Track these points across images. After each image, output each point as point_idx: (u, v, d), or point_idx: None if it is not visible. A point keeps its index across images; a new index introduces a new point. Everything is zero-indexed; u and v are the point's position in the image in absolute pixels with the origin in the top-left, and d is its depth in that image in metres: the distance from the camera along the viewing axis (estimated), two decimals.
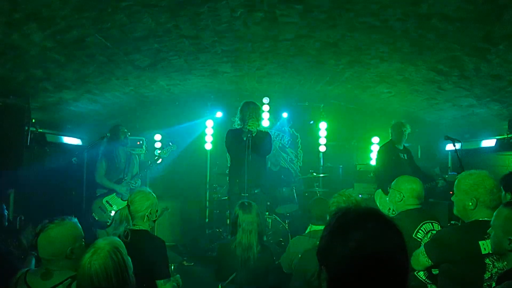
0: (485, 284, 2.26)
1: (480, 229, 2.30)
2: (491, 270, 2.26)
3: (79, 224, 2.44)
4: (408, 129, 5.44)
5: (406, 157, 5.53)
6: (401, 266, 1.13)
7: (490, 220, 2.23)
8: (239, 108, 4.73)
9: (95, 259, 1.90)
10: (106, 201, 5.09)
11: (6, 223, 3.76)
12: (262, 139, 4.57)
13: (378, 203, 5.14)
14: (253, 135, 4.34)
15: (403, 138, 5.45)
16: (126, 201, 3.10)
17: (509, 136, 4.95)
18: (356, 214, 1.18)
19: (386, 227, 1.15)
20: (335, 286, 1.13)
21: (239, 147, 4.50)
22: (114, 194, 5.14)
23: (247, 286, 3.21)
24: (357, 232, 1.12)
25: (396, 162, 5.30)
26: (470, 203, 2.38)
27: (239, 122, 4.72)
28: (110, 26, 3.37)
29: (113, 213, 5.02)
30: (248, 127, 4.35)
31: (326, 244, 1.18)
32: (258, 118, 4.61)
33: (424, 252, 2.47)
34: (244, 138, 4.38)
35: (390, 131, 5.53)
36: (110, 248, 1.96)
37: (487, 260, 2.27)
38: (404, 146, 5.55)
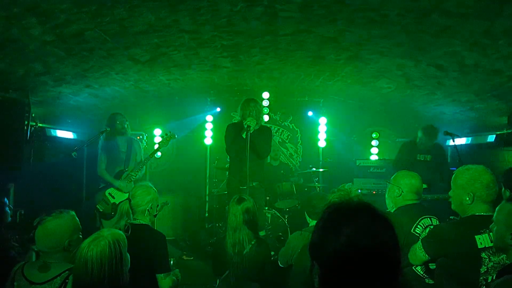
0: (481, 278, 2.28)
1: (477, 223, 2.32)
2: (487, 264, 2.28)
3: (76, 217, 2.46)
4: (436, 138, 5.38)
5: (428, 159, 5.48)
6: (392, 261, 1.13)
7: (487, 215, 2.25)
8: (239, 105, 4.73)
9: (94, 245, 1.94)
10: (109, 193, 5.11)
11: (10, 219, 3.78)
12: (260, 138, 4.57)
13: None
14: (251, 131, 4.34)
15: (427, 143, 5.40)
16: (128, 194, 3.12)
17: (508, 131, 4.95)
18: (347, 209, 1.19)
19: (378, 222, 1.15)
20: (327, 281, 1.14)
21: (238, 142, 4.51)
22: None
23: (244, 280, 3.23)
24: (349, 227, 1.12)
25: (411, 162, 5.32)
26: (467, 198, 2.40)
27: (239, 119, 4.72)
28: (109, 21, 3.36)
29: (115, 204, 5.06)
30: (246, 123, 4.35)
31: (318, 239, 1.18)
32: (258, 115, 4.59)
33: (421, 247, 2.49)
34: (244, 136, 4.39)
35: (418, 133, 5.46)
36: (111, 239, 1.99)
37: (483, 254, 2.29)
38: (432, 146, 5.45)
